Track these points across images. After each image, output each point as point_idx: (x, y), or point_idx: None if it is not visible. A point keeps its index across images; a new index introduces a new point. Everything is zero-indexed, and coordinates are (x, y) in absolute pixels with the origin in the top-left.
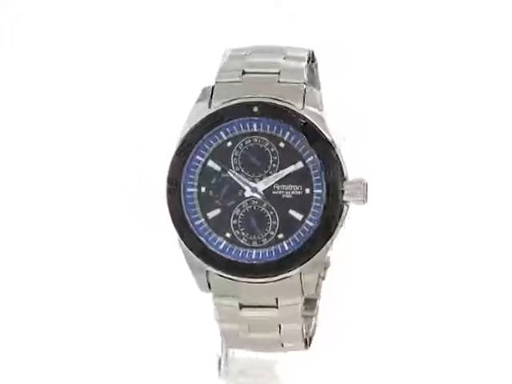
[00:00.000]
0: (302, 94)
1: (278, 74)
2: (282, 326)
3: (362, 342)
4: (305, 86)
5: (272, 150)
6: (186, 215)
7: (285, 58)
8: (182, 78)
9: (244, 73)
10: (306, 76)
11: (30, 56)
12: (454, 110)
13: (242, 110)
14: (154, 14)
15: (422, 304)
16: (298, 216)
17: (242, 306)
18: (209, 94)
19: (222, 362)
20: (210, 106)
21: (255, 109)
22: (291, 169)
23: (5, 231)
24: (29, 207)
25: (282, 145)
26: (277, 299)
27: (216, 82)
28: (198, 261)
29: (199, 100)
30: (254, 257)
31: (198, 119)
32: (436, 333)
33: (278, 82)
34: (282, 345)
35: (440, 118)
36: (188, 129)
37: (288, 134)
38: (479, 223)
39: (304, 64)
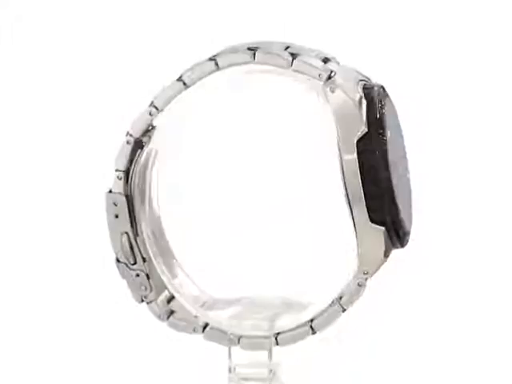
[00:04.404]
0: None
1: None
2: None
3: (361, 342)
4: None
5: None
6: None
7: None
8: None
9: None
10: None
11: (30, 55)
12: (454, 105)
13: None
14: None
15: (423, 305)
16: None
17: None
18: (333, 88)
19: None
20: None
21: (382, 90)
22: None
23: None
24: (29, 207)
25: None
26: None
27: (329, 77)
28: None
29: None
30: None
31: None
32: (439, 337)
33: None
34: None
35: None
36: (364, 125)
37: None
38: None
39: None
